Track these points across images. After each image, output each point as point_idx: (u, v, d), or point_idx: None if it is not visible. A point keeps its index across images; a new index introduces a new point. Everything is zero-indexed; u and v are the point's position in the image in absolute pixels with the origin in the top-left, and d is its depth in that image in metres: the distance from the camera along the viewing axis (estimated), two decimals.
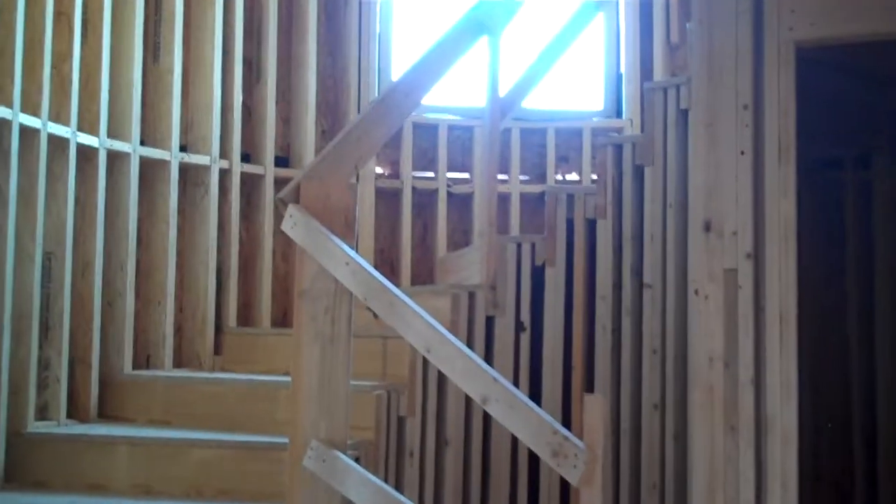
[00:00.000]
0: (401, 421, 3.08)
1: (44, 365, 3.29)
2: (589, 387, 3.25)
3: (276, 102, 4.24)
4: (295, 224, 2.53)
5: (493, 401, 2.13)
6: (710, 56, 2.41)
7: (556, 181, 4.56)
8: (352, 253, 2.43)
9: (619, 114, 4.61)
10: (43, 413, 3.27)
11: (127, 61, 3.69)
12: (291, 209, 2.53)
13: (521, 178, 4.55)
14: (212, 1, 4.00)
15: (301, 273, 2.53)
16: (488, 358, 3.24)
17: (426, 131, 4.53)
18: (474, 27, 3.12)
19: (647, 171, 3.24)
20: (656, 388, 3.11)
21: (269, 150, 4.18)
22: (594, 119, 4.61)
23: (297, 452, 2.45)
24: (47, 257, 3.31)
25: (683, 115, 3.12)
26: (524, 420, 2.09)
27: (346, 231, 2.53)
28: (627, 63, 4.57)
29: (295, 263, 2.48)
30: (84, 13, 3.53)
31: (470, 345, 3.20)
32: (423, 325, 2.26)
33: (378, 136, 2.79)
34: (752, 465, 2.36)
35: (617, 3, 4.65)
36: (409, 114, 3.00)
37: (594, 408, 2.02)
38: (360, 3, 4.48)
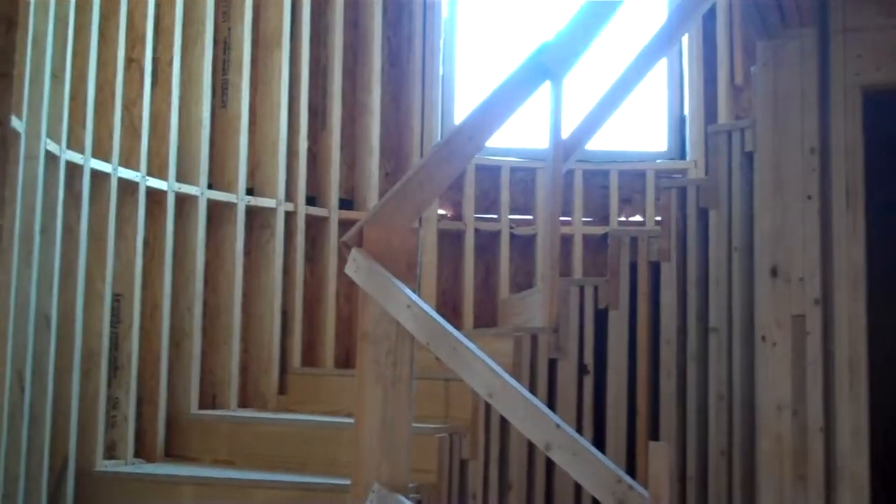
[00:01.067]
0: (463, 464, 3.06)
1: (112, 404, 3.34)
2: (654, 433, 3.21)
3: (341, 146, 4.30)
4: (358, 268, 2.55)
5: (556, 447, 2.11)
6: (776, 99, 2.39)
7: (620, 223, 4.53)
8: (413, 296, 2.44)
9: (682, 155, 4.59)
10: (111, 452, 3.32)
11: (195, 106, 3.77)
12: (355, 253, 2.56)
13: (585, 219, 4.54)
14: (279, 47, 4.08)
15: (364, 316, 2.54)
16: (551, 401, 3.22)
17: (489, 173, 4.55)
18: (537, 71, 3.12)
19: (712, 214, 3.21)
20: (723, 435, 3.06)
21: (334, 194, 4.23)
22: (658, 161, 4.59)
23: (358, 495, 2.45)
24: (116, 298, 3.38)
25: (748, 157, 3.10)
26: (588, 467, 2.07)
27: (408, 274, 2.55)
28: (691, 105, 4.55)
29: (358, 305, 2.50)
30: (154, 60, 3.63)
31: (532, 388, 3.19)
32: (485, 369, 2.26)
33: (441, 179, 2.81)
34: None
35: (680, 45, 4.64)
36: (472, 157, 3.01)
37: (659, 456, 2.00)
38: (423, 48, 4.53)
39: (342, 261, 2.99)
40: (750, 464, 2.95)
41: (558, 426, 2.12)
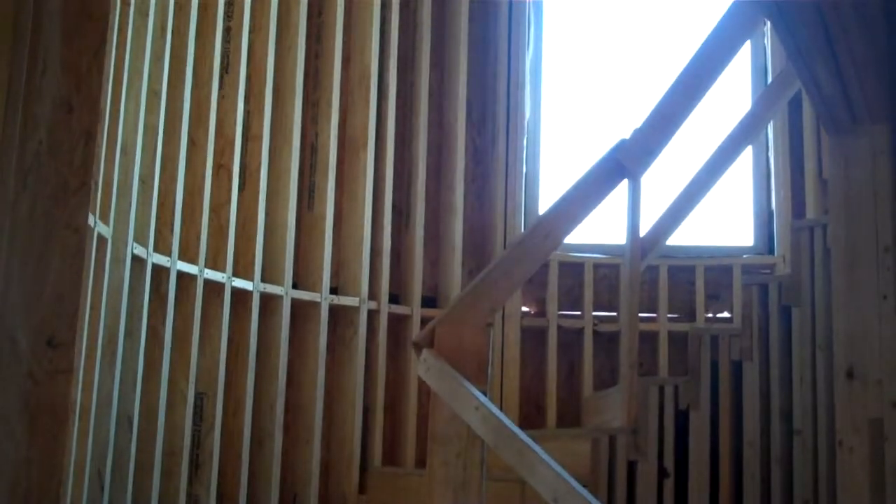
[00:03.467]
0: None
1: (193, 501, 3.39)
2: None
3: (424, 244, 4.35)
4: (429, 368, 2.56)
5: None
6: (848, 197, 2.35)
7: (706, 319, 4.45)
8: (482, 398, 2.43)
9: (770, 250, 4.50)
10: None
11: (282, 208, 3.88)
12: (425, 353, 2.57)
13: (670, 316, 4.47)
14: (364, 149, 4.18)
15: (434, 417, 2.55)
16: None
17: (572, 270, 4.53)
18: (613, 170, 3.13)
19: (795, 313, 3.14)
20: None
21: (417, 292, 4.27)
22: (744, 256, 4.52)
23: None
24: (199, 397, 3.45)
25: (830, 254, 3.03)
26: None
27: (479, 375, 2.55)
28: (778, 198, 4.48)
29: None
30: (242, 165, 3.76)
31: (611, 491, 3.12)
32: (551, 473, 2.23)
33: (516, 278, 2.82)
34: None
35: (767, 138, 4.60)
36: (548, 256, 3.02)
37: None
38: (507, 147, 4.59)
39: None
40: None
41: None
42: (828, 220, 3.11)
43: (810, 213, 4.31)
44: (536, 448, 2.29)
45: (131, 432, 3.02)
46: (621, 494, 3.12)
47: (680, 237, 4.59)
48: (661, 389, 3.28)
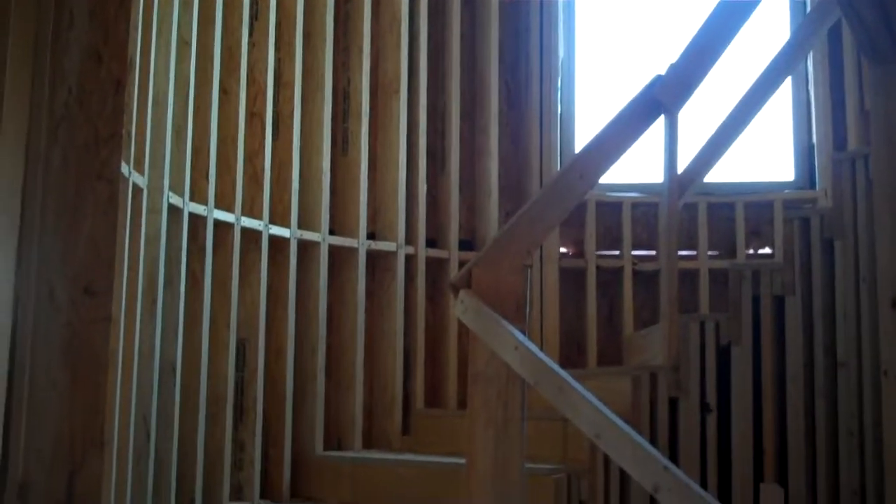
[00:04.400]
0: None
1: (238, 447, 3.44)
2: (782, 473, 3.08)
3: (460, 188, 4.33)
4: (466, 309, 2.55)
5: (665, 490, 2.06)
6: (889, 127, 2.29)
7: (748, 256, 4.41)
8: (521, 336, 2.43)
9: (812, 185, 4.43)
10: (238, 494, 3.41)
11: (316, 155, 3.88)
12: (462, 295, 2.57)
13: (710, 253, 4.43)
14: (397, 94, 4.16)
15: (473, 357, 2.54)
16: (673, 442, 3.14)
17: (610, 209, 4.50)
18: (650, 106, 3.07)
19: (838, 245, 3.09)
20: (855, 474, 2.91)
21: (454, 235, 4.26)
22: (786, 191, 4.45)
23: None
24: (241, 343, 3.48)
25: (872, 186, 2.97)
26: None
27: (517, 314, 2.54)
28: (819, 132, 4.40)
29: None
30: (275, 112, 3.75)
31: (653, 428, 3.11)
32: (592, 409, 2.22)
33: (551, 218, 2.79)
34: None
35: (806, 71, 4.50)
36: (583, 196, 2.98)
37: (770, 498, 1.92)
38: (541, 88, 4.54)
39: None
40: None
41: (666, 468, 2.06)
42: (869, 152, 3.04)
43: (852, 146, 4.23)
44: (577, 385, 2.28)
45: (175, 379, 3.06)
46: (663, 431, 3.11)
47: (719, 174, 4.53)
48: (702, 326, 3.24)
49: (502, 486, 2.46)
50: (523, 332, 2.47)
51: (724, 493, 3.07)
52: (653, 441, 3.07)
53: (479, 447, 2.52)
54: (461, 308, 2.58)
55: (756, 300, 3.24)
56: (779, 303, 3.20)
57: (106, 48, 2.08)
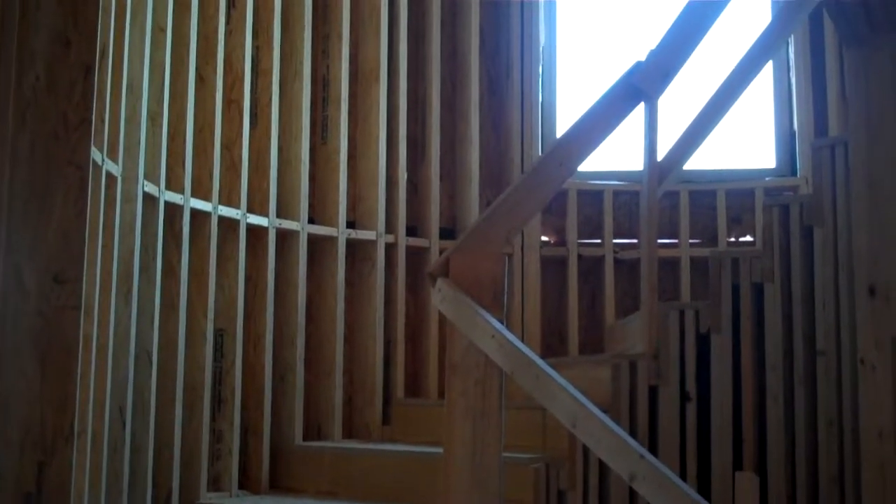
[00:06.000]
0: (561, 495, 3.00)
1: (216, 437, 3.41)
2: (761, 461, 3.08)
3: (441, 177, 4.31)
4: (444, 298, 2.54)
5: (641, 478, 2.05)
6: (868, 112, 2.28)
7: (729, 244, 4.40)
8: (498, 325, 2.41)
9: (793, 172, 4.43)
10: (216, 484, 3.39)
11: (295, 143, 3.85)
12: (440, 283, 2.55)
13: (692, 241, 4.43)
14: (377, 81, 4.13)
15: (451, 346, 2.52)
16: (653, 430, 3.13)
17: (591, 198, 4.48)
18: (629, 93, 3.05)
19: (817, 233, 3.08)
20: (834, 463, 2.91)
21: (434, 224, 4.24)
22: (767, 178, 4.44)
23: None
24: (219, 333, 3.45)
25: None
26: (672, 499, 2.00)
27: (494, 303, 2.52)
28: (800, 119, 4.40)
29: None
30: (253, 99, 3.71)
31: (633, 416, 3.10)
32: (568, 398, 2.21)
33: (530, 206, 2.77)
34: None
35: (788, 57, 4.49)
36: (563, 183, 2.96)
37: (746, 486, 1.91)
38: (521, 76, 4.52)
39: None
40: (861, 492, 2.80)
41: (642, 457, 2.05)
42: (848, 138, 3.03)
43: (833, 133, 4.23)
44: (553, 374, 2.27)
45: (151, 369, 3.03)
46: (643, 419, 3.10)
47: (701, 161, 4.52)
48: (682, 314, 3.23)
49: (480, 475, 2.45)
50: (502, 321, 2.45)
51: (703, 481, 3.06)
52: (632, 430, 3.06)
53: (456, 436, 2.51)
54: (438, 297, 2.56)
55: (735, 288, 3.23)
56: (758, 290, 3.19)
57: (75, 32, 2.05)
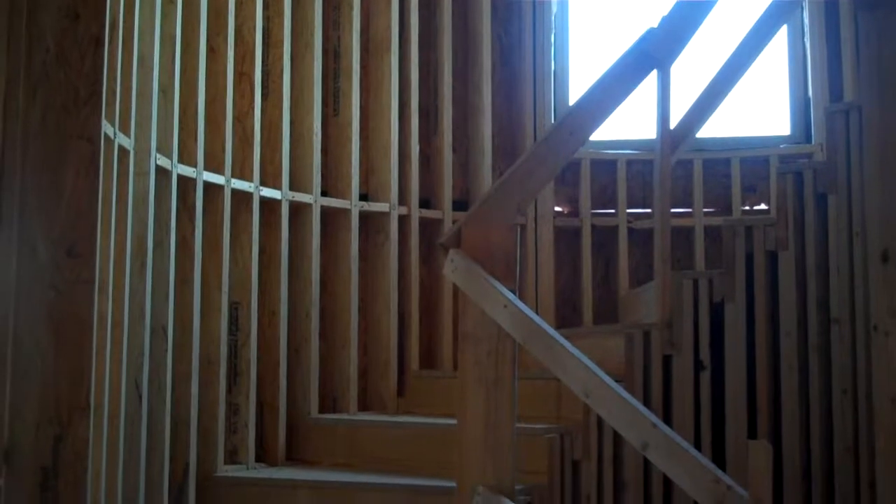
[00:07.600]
0: (576, 465, 3.01)
1: (233, 410, 3.43)
2: (775, 429, 3.08)
3: (453, 148, 4.30)
4: (456, 268, 2.54)
5: (653, 447, 2.05)
6: (880, 76, 2.25)
7: (743, 212, 4.38)
8: (510, 295, 2.41)
9: (808, 139, 4.40)
10: (233, 457, 3.41)
11: (307, 115, 3.84)
12: (452, 253, 2.55)
13: (706, 210, 4.41)
14: (388, 52, 4.11)
15: (464, 317, 2.54)
16: (666, 399, 3.13)
17: (604, 167, 4.46)
18: (641, 61, 3.03)
19: (831, 200, 3.06)
20: (849, 431, 2.91)
21: (447, 196, 4.23)
22: (781, 146, 4.41)
23: (463, 498, 2.44)
24: (234, 306, 3.47)
25: None
26: (685, 467, 2.00)
27: (507, 273, 2.52)
28: (815, 85, 4.36)
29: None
30: (265, 72, 3.71)
31: (646, 386, 3.10)
32: (581, 367, 2.21)
33: (542, 176, 2.77)
34: None
35: (802, 23, 4.45)
36: (574, 153, 2.95)
37: (758, 455, 1.91)
38: (534, 45, 4.49)
39: None
40: None
41: (654, 425, 2.05)
42: (862, 103, 3.00)
43: (848, 98, 4.19)
44: (566, 343, 2.27)
45: (167, 343, 3.05)
46: (657, 388, 3.10)
47: (715, 129, 4.49)
48: (696, 283, 3.22)
49: (493, 446, 2.46)
50: (514, 291, 2.46)
51: (717, 450, 3.06)
52: (646, 399, 3.06)
53: (469, 406, 2.52)
54: (450, 267, 2.56)
55: (749, 256, 3.21)
56: (772, 258, 3.18)
57: (84, 6, 2.05)
